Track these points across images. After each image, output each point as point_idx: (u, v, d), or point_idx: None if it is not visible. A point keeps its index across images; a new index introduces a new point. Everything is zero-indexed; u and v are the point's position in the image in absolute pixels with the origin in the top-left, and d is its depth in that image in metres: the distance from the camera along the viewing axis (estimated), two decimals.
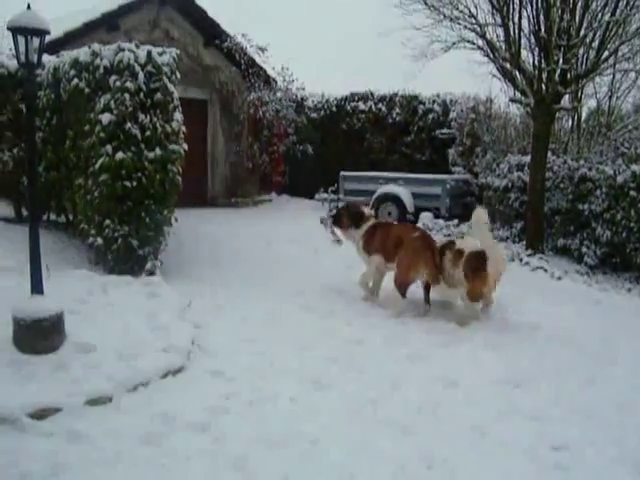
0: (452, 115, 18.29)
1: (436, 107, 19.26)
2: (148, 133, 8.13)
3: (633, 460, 4.44)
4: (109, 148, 7.99)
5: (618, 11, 11.79)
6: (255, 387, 5.33)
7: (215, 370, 5.61)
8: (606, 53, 12.36)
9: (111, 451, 4.13)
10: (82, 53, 8.56)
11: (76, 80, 8.52)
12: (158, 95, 8.23)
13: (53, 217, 10.66)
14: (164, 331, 6.07)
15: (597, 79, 15.09)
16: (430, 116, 19.25)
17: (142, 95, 8.14)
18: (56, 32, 12.91)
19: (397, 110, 19.87)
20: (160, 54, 8.37)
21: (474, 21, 12.80)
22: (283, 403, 5.09)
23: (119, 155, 7.97)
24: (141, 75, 8.10)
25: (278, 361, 5.97)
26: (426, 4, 13.09)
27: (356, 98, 20.59)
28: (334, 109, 20.82)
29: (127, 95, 8.00)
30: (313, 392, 5.35)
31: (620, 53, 13.28)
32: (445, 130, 18.28)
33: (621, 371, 6.33)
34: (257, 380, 5.49)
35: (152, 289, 7.44)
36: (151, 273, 8.23)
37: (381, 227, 8.60)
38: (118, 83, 8.03)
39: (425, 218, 15.30)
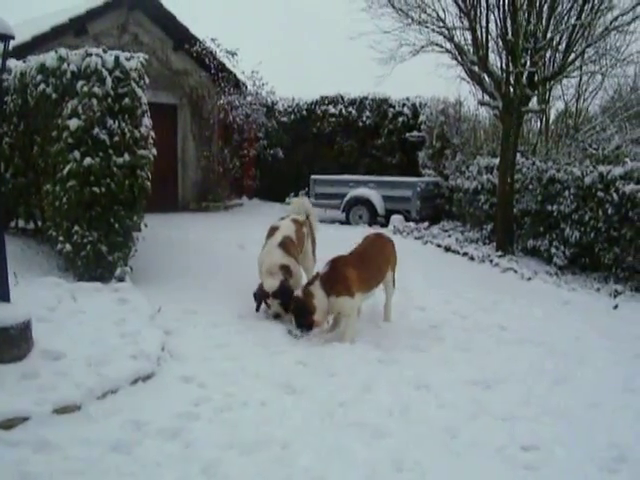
0: (422, 118, 18.42)
1: (406, 110, 19.41)
2: (116, 138, 8.07)
3: (602, 460, 4.48)
4: (77, 154, 7.93)
5: (584, 14, 11.96)
6: (226, 392, 5.31)
7: (185, 376, 5.58)
8: (572, 56, 12.56)
9: (80, 460, 4.08)
10: (49, 58, 8.48)
11: (43, 85, 8.44)
12: (126, 100, 8.18)
13: (21, 224, 10.54)
14: (134, 337, 6.02)
15: (564, 81, 15.36)
16: (400, 119, 19.39)
17: (110, 100, 8.08)
18: (23, 36, 12.82)
19: (367, 113, 19.99)
20: (128, 59, 8.33)
21: (442, 25, 12.92)
22: (254, 408, 5.07)
23: (87, 161, 7.91)
24: (109, 80, 8.04)
25: (249, 366, 5.94)
26: (394, 8, 13.19)
27: (326, 102, 20.66)
28: (304, 113, 20.87)
29: (95, 100, 7.94)
30: (284, 396, 5.34)
31: (586, 55, 13.53)
32: (415, 133, 18.42)
33: (590, 371, 6.40)
34: (228, 385, 5.46)
35: (122, 295, 7.39)
36: (121, 279, 8.16)
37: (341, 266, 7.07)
38: (85, 88, 7.96)
39: (396, 220, 15.40)
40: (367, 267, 7.28)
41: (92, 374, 5.14)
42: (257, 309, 7.65)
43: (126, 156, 8.16)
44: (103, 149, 8.01)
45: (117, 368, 5.32)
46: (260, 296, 7.57)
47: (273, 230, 8.12)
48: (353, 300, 6.97)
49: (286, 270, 7.57)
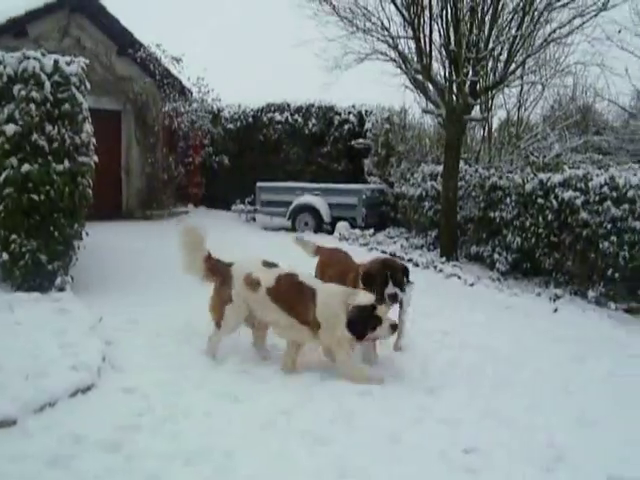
0: (367, 126, 18.58)
1: (352, 118, 19.51)
2: (56, 145, 7.95)
3: (540, 460, 4.55)
4: (14, 160, 7.78)
5: (524, 26, 12.22)
6: (169, 403, 5.23)
7: (127, 387, 5.47)
8: (513, 66, 12.83)
9: (14, 476, 3.96)
10: None
11: None
12: (66, 106, 8.05)
13: None
14: (73, 348, 5.90)
15: (506, 91, 15.67)
16: (346, 127, 19.49)
17: (49, 105, 7.95)
18: None
19: (313, 121, 20.03)
20: (68, 63, 8.21)
21: (387, 33, 13.06)
22: (197, 418, 5.01)
23: (25, 167, 7.76)
24: (48, 85, 7.91)
25: (192, 375, 5.87)
26: (339, 16, 13.27)
27: (272, 109, 20.64)
28: (250, 120, 20.81)
29: (33, 105, 7.80)
30: (227, 405, 5.28)
31: (527, 66, 13.89)
32: (360, 140, 18.54)
33: (531, 374, 6.50)
34: (171, 395, 5.38)
35: (62, 305, 7.26)
36: (61, 289, 8.02)
37: None
38: (23, 92, 7.81)
39: (341, 228, 15.46)
40: None
41: (29, 387, 5.00)
42: None
43: (66, 163, 8.04)
44: (42, 155, 7.87)
45: (55, 380, 5.19)
46: None
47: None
48: None
49: None
